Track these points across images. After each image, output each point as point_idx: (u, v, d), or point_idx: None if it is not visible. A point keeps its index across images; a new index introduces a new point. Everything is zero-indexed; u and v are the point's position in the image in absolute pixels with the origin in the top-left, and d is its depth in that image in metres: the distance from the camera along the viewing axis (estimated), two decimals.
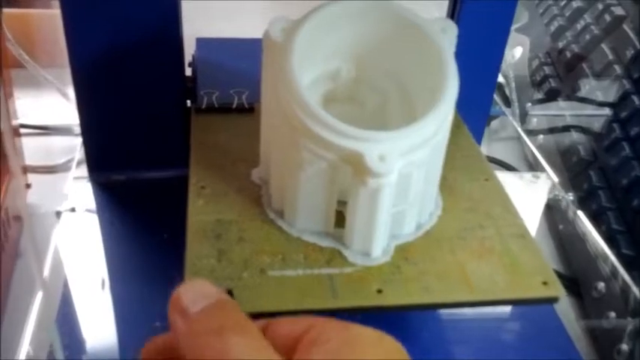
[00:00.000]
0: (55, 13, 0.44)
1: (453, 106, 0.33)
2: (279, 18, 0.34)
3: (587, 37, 0.70)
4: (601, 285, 0.51)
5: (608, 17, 0.69)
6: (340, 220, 0.35)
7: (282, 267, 0.33)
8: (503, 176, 0.41)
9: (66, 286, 0.44)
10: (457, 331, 0.42)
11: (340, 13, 0.35)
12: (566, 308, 0.51)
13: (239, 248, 0.34)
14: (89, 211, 0.50)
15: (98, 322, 0.41)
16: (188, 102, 0.49)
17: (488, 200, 0.39)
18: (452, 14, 0.48)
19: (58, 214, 0.50)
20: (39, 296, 0.45)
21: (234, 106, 0.45)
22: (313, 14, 0.34)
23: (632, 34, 0.64)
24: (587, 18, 0.73)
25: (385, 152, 0.30)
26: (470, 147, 0.43)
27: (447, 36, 0.34)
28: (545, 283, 0.34)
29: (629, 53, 0.62)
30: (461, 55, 0.35)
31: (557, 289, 0.34)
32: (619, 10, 0.68)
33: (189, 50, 0.54)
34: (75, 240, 0.48)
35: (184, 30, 0.46)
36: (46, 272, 0.47)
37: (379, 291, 0.32)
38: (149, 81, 0.46)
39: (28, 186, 0.56)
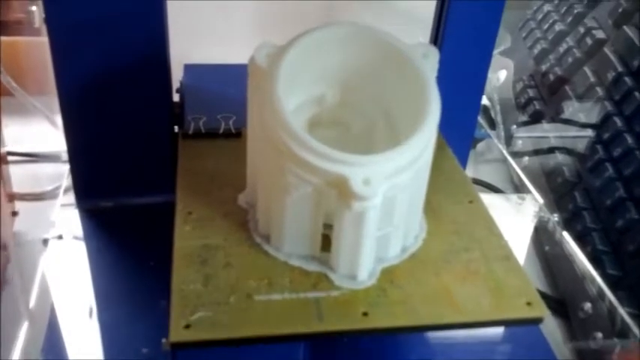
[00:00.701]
0: (43, 40, 0.44)
1: (435, 129, 0.33)
2: (264, 44, 0.34)
3: (570, 59, 0.71)
4: (587, 305, 0.51)
5: (589, 40, 0.70)
6: (326, 243, 0.35)
7: (269, 291, 0.33)
8: (489, 198, 0.42)
9: (53, 313, 0.44)
10: (445, 355, 0.42)
11: (325, 38, 0.35)
12: (553, 329, 0.51)
13: (225, 273, 0.34)
14: (76, 238, 0.49)
15: (85, 350, 0.41)
16: (175, 128, 0.49)
17: (472, 223, 0.39)
18: (435, 38, 0.49)
19: (45, 241, 0.49)
20: (25, 326, 0.45)
21: (222, 131, 0.46)
22: (298, 40, 0.34)
23: (612, 57, 0.65)
24: (570, 41, 0.74)
25: (369, 176, 0.30)
26: (454, 170, 0.44)
27: (429, 61, 0.35)
28: (529, 304, 0.34)
29: (611, 75, 0.63)
30: (445, 78, 0.36)
31: (541, 310, 0.34)
32: (600, 34, 0.70)
33: (177, 76, 0.55)
34: (62, 267, 0.48)
35: (171, 56, 0.46)
36: (33, 300, 0.47)
37: (365, 314, 0.33)
38: (136, 107, 0.47)
39: (14, 214, 0.56)
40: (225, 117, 0.47)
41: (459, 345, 0.42)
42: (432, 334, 0.42)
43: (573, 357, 0.50)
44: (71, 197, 0.52)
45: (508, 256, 0.37)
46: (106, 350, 0.41)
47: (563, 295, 0.55)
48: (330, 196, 0.32)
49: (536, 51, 0.79)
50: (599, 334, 0.49)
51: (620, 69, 0.63)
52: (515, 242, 0.39)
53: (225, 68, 0.58)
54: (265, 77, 0.34)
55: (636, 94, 0.59)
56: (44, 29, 0.43)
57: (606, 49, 0.67)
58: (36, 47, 0.65)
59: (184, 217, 0.38)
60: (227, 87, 0.54)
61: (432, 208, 0.38)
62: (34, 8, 0.66)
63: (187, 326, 0.31)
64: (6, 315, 0.47)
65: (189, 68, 0.58)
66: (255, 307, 0.32)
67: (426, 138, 0.33)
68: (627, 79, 0.61)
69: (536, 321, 0.34)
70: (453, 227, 0.39)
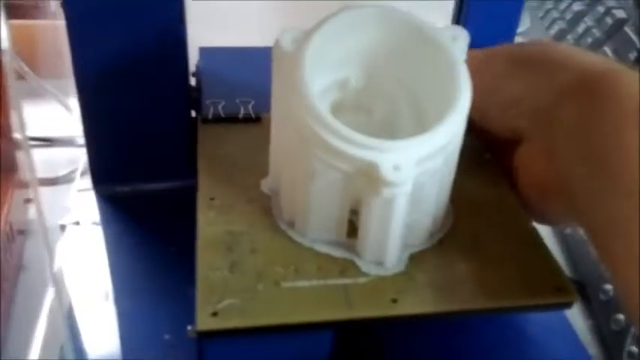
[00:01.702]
0: (57, 23, 0.44)
1: (466, 113, 0.33)
2: (289, 28, 0.34)
3: (589, 40, 0.70)
4: (608, 287, 0.51)
5: (609, 20, 0.69)
6: (353, 229, 0.35)
7: (296, 278, 0.33)
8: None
9: (70, 302, 0.44)
10: (466, 333, 0.42)
11: (350, 22, 0.35)
12: (573, 311, 0.51)
13: (251, 260, 0.34)
14: (94, 223, 0.49)
15: (104, 337, 0.41)
16: (192, 112, 0.49)
17: (499, 206, 0.39)
18: (457, 21, 0.48)
19: (63, 227, 0.49)
20: (46, 310, 0.45)
21: (241, 116, 0.45)
22: (324, 24, 0.34)
23: (634, 37, 0.64)
24: (588, 21, 0.73)
25: (400, 162, 0.30)
26: (479, 152, 0.43)
27: (458, 43, 0.34)
28: (558, 289, 0.34)
29: (632, 56, 0.63)
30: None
31: (571, 295, 0.34)
32: (620, 13, 0.69)
33: (193, 60, 0.54)
34: (80, 253, 0.47)
35: (188, 39, 0.46)
36: (51, 290, 0.46)
37: (394, 300, 0.32)
38: (154, 91, 0.46)
39: (29, 200, 0.56)
40: (243, 101, 0.47)
41: (481, 326, 0.42)
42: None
43: (594, 339, 0.50)
44: (87, 182, 0.51)
45: (537, 240, 0.37)
46: (126, 336, 0.41)
47: (583, 277, 0.54)
48: (357, 183, 0.32)
49: (553, 31, 0.78)
50: (620, 316, 0.49)
51: None
52: (537, 225, 0.38)
53: (241, 51, 0.58)
54: (290, 62, 0.33)
55: None
56: (60, 13, 0.43)
57: (627, 29, 0.66)
58: (50, 31, 0.64)
59: (207, 202, 0.38)
60: (244, 71, 0.54)
61: (458, 191, 0.37)
62: None
63: (214, 314, 0.31)
64: (24, 301, 0.47)
65: (205, 51, 0.57)
66: (282, 295, 0.32)
67: (457, 122, 0.32)
68: None
69: (566, 305, 0.34)
70: (481, 211, 0.38)
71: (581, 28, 0.73)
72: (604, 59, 0.34)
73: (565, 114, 0.33)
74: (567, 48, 0.36)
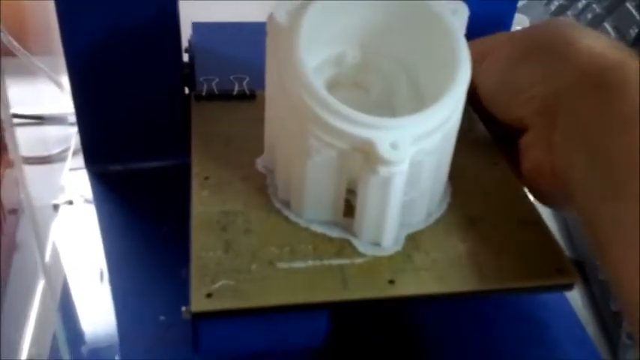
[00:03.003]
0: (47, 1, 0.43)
1: (465, 90, 0.32)
2: (284, 2, 0.33)
3: (589, 16, 0.69)
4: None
5: None
6: (349, 209, 0.34)
7: (291, 258, 0.32)
8: None
9: (65, 279, 0.43)
10: (467, 317, 0.41)
11: None
12: (572, 292, 0.50)
13: (246, 240, 0.33)
14: (87, 202, 0.49)
15: (99, 315, 0.41)
16: (185, 89, 0.48)
17: (498, 185, 0.38)
18: None
19: (56, 207, 0.48)
20: (40, 288, 0.44)
21: (235, 93, 0.44)
22: None
23: (635, 12, 0.63)
24: None
25: (397, 140, 0.29)
26: (478, 131, 0.42)
27: (458, 18, 0.33)
28: (559, 270, 0.33)
29: (633, 32, 0.62)
30: (467, 37, 0.34)
31: (572, 276, 0.33)
32: None
33: (185, 35, 0.53)
34: (74, 232, 0.47)
35: (180, 14, 0.45)
36: (46, 266, 0.46)
37: (391, 281, 0.32)
38: (146, 67, 0.45)
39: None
40: (238, 78, 0.46)
41: (480, 306, 0.42)
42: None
43: (593, 318, 0.50)
44: (80, 160, 0.51)
45: (537, 220, 0.36)
46: (119, 316, 0.41)
47: (582, 258, 0.54)
48: (354, 161, 0.31)
49: (553, 7, 0.76)
50: None
51: None
52: (535, 205, 0.38)
53: (235, 27, 0.57)
54: (285, 36, 0.32)
55: None
56: None
57: (628, 4, 0.65)
58: (39, 6, 0.63)
59: (201, 181, 0.37)
60: (238, 46, 0.53)
61: (457, 170, 0.36)
62: None
63: (209, 295, 0.30)
64: (19, 279, 0.47)
65: (198, 27, 0.56)
66: (277, 275, 0.32)
67: (456, 99, 0.31)
68: None
69: (567, 287, 0.34)
70: (479, 190, 0.38)
71: (581, 4, 0.72)
72: (617, 48, 0.32)
73: (571, 106, 0.32)
74: (583, 34, 0.33)
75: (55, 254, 0.46)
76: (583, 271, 0.53)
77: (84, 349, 0.39)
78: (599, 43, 0.32)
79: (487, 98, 0.34)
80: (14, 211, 0.50)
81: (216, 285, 0.31)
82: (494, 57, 0.36)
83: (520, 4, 0.79)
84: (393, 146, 0.29)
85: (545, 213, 0.57)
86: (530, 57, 0.35)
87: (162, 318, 0.39)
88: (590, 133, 0.30)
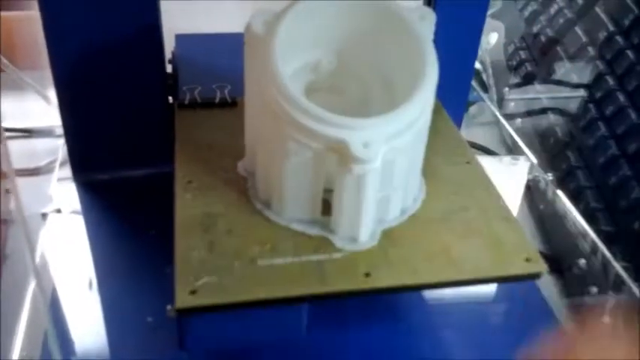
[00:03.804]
0: (34, 15, 0.44)
1: (433, 90, 0.34)
2: (260, 11, 0.34)
3: (561, 20, 0.71)
4: (582, 262, 0.52)
5: (580, 1, 0.70)
6: (327, 207, 0.35)
7: (272, 256, 0.34)
8: (483, 161, 0.42)
9: (53, 288, 0.44)
10: (443, 313, 0.43)
11: (320, 4, 0.35)
12: (548, 286, 0.52)
13: (228, 240, 0.35)
14: (75, 211, 0.50)
15: (88, 322, 0.42)
16: (169, 99, 0.49)
17: (470, 183, 0.40)
18: (429, 1, 0.48)
19: (44, 216, 0.49)
20: (29, 301, 0.45)
21: (217, 100, 0.46)
22: (294, 6, 0.34)
23: (604, 16, 0.65)
24: (560, 2, 0.74)
25: (369, 139, 0.31)
26: (450, 131, 0.44)
27: (426, 23, 0.35)
28: (528, 260, 0.35)
29: (602, 35, 0.64)
30: (439, 42, 0.36)
31: (540, 265, 0.35)
32: None
33: (169, 47, 0.54)
34: (62, 241, 0.48)
35: (163, 27, 0.46)
36: (33, 277, 0.47)
37: (367, 274, 0.33)
38: (130, 79, 0.47)
39: (8, 191, 0.56)
40: (220, 86, 0.47)
41: (456, 303, 0.43)
42: (429, 293, 0.43)
43: (569, 313, 0.51)
44: (67, 171, 0.52)
45: (506, 214, 0.38)
46: (110, 321, 0.41)
47: (557, 253, 0.55)
48: (329, 161, 0.33)
49: (527, 12, 0.79)
50: (594, 289, 0.50)
51: (611, 28, 0.63)
52: (509, 202, 0.39)
53: (217, 38, 0.58)
54: (262, 44, 0.34)
55: (628, 52, 0.60)
56: (33, 3, 0.43)
57: (597, 8, 0.67)
58: (26, 22, 0.64)
59: (184, 185, 0.38)
60: (220, 56, 0.54)
61: (430, 169, 0.38)
62: None
63: (193, 292, 0.32)
64: (8, 289, 0.47)
65: (181, 38, 0.57)
66: (259, 272, 0.33)
67: (424, 99, 0.33)
68: (618, 38, 0.62)
69: (535, 276, 0.35)
70: (452, 188, 0.39)
71: (553, 9, 0.74)
72: None
73: None
74: None
75: (44, 262, 0.47)
76: (559, 265, 0.54)
77: (74, 354, 0.40)
78: None
79: None
80: (4, 222, 0.51)
81: (200, 282, 0.32)
82: None
83: (494, 9, 0.81)
84: (366, 145, 0.31)
85: (522, 210, 0.59)
86: None
87: (149, 319, 0.40)
88: None
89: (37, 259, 0.47)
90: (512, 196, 0.59)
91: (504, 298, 0.45)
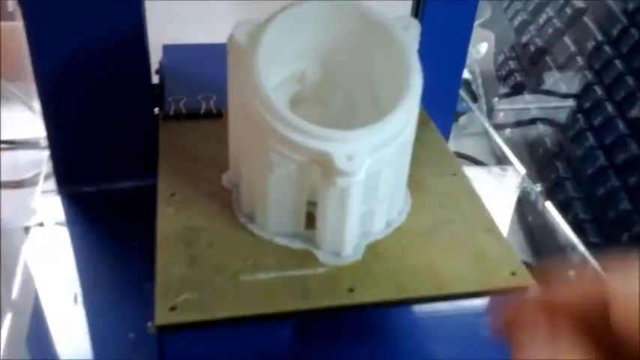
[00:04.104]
0: (18, 25, 0.43)
1: (417, 102, 0.33)
2: (243, 21, 0.34)
3: (550, 30, 0.71)
4: (571, 274, 0.52)
5: (569, 10, 0.70)
6: (311, 221, 0.35)
7: (254, 271, 0.33)
8: (472, 171, 0.42)
9: (37, 302, 0.43)
10: (431, 327, 0.42)
11: (304, 14, 0.35)
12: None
13: (210, 254, 0.34)
14: (59, 224, 0.49)
15: (71, 337, 0.41)
16: (156, 109, 0.49)
17: (456, 195, 0.39)
18: (416, 12, 0.48)
19: (27, 229, 0.49)
20: (8, 317, 0.44)
21: (203, 111, 0.45)
22: (277, 17, 0.34)
23: (592, 26, 0.65)
24: (549, 12, 0.74)
25: (353, 151, 0.30)
26: (436, 143, 0.43)
27: (410, 34, 0.35)
28: (513, 274, 0.34)
29: (590, 45, 0.64)
30: (426, 52, 0.35)
31: (526, 279, 0.34)
32: (579, 3, 0.70)
33: (156, 57, 0.54)
34: (45, 255, 0.47)
35: (150, 37, 0.46)
36: (16, 291, 0.46)
37: (351, 290, 0.33)
38: (116, 90, 0.46)
39: None
40: (205, 97, 0.47)
41: (444, 318, 0.42)
42: (417, 307, 0.42)
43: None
44: (52, 184, 0.51)
45: (491, 227, 0.37)
46: (92, 336, 0.41)
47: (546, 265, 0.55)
48: (313, 173, 0.32)
49: (516, 22, 0.79)
50: None
51: (599, 38, 0.63)
52: (498, 214, 0.39)
53: (204, 48, 0.58)
54: (245, 55, 0.33)
55: (616, 62, 0.60)
56: (19, 13, 0.42)
57: (586, 19, 0.67)
58: (11, 32, 0.64)
59: (167, 198, 0.38)
60: (207, 67, 0.54)
61: (415, 181, 0.38)
62: None
63: (173, 308, 0.31)
64: None
65: (168, 49, 0.57)
66: (241, 287, 0.32)
67: (408, 111, 0.32)
68: (607, 48, 0.61)
69: (521, 290, 0.35)
70: (437, 200, 0.39)
71: (542, 19, 0.74)
72: None
73: None
74: None
75: (27, 275, 0.46)
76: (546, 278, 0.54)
77: None
78: None
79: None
80: None
81: (180, 298, 0.31)
82: None
83: (484, 19, 0.81)
84: (349, 158, 0.30)
85: (511, 221, 0.59)
86: None
87: (131, 335, 0.39)
88: None
89: (19, 274, 0.47)
90: (502, 207, 0.59)
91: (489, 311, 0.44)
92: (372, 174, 0.32)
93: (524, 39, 0.76)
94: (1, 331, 0.43)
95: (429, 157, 0.41)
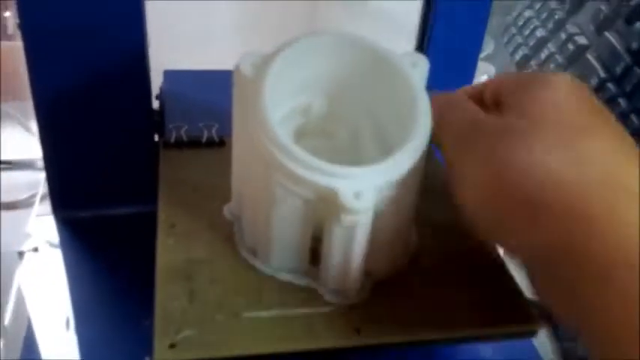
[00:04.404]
0: (16, 45, 0.43)
1: (426, 139, 0.33)
2: (249, 53, 0.33)
3: (552, 66, 0.72)
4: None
5: (571, 46, 0.70)
6: (316, 257, 0.34)
7: (257, 308, 0.32)
8: None
9: (30, 329, 0.42)
10: (430, 355, 0.41)
11: (311, 47, 0.35)
12: (540, 334, 0.51)
13: (211, 289, 0.33)
14: (53, 247, 0.48)
15: None
16: (155, 136, 0.48)
17: (463, 232, 0.39)
18: (420, 46, 0.48)
19: (21, 254, 0.48)
20: (0, 343, 0.43)
21: (204, 140, 0.45)
22: (284, 49, 0.33)
23: (595, 63, 0.65)
24: (551, 47, 0.74)
25: (361, 189, 0.30)
26: (442, 176, 0.43)
27: (418, 70, 0.34)
28: (522, 317, 0.34)
29: (594, 82, 0.64)
30: (431, 86, 0.35)
31: (535, 323, 0.34)
32: (582, 40, 0.70)
33: (157, 82, 0.54)
34: (39, 280, 0.46)
35: (151, 62, 0.45)
36: (8, 317, 0.45)
37: (357, 330, 0.32)
38: (115, 115, 0.45)
39: None
40: (207, 125, 0.46)
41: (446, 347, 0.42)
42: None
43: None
44: (47, 206, 0.50)
45: (501, 267, 0.36)
46: None
47: None
48: (319, 209, 0.32)
49: (517, 57, 0.79)
50: None
51: (602, 75, 0.63)
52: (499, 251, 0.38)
53: (206, 74, 0.57)
54: (251, 87, 0.33)
55: (619, 100, 0.60)
56: (18, 34, 0.42)
57: (589, 55, 0.67)
58: (9, 52, 0.63)
59: (167, 229, 0.37)
60: (209, 94, 0.53)
61: (422, 216, 0.37)
62: (7, 14, 0.65)
63: (172, 345, 0.30)
64: None
65: (169, 74, 0.57)
66: (242, 325, 0.31)
67: (417, 148, 0.32)
68: (610, 86, 0.61)
69: (530, 334, 0.34)
70: (445, 237, 0.38)
71: (544, 54, 0.74)
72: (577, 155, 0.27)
73: (546, 262, 0.28)
74: (535, 162, 0.27)
75: (20, 301, 0.45)
76: (551, 315, 0.53)
77: None
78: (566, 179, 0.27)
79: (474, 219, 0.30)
80: None
81: (180, 335, 0.31)
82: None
83: (485, 53, 0.81)
84: (357, 196, 0.30)
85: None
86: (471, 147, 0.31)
87: None
88: (567, 294, 0.27)
89: (12, 299, 0.46)
90: None
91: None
92: (378, 212, 0.31)
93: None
94: None
95: (436, 191, 0.41)
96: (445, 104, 0.33)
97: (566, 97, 0.29)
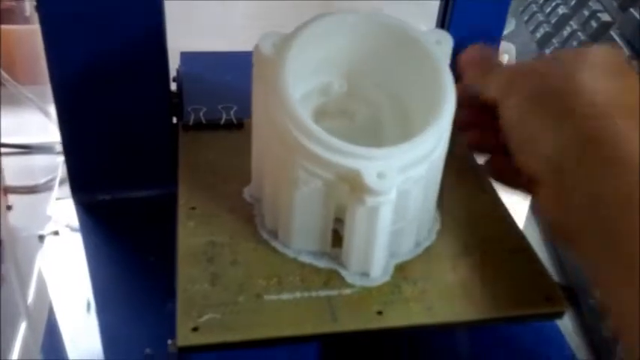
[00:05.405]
0: (35, 28, 0.42)
1: (451, 119, 0.32)
2: (269, 33, 0.33)
3: (574, 43, 0.70)
4: (598, 292, 0.50)
5: (594, 24, 0.69)
6: (337, 238, 0.34)
7: (279, 290, 0.32)
8: (497, 188, 0.41)
9: (51, 311, 0.42)
10: (457, 342, 0.41)
11: (332, 26, 0.34)
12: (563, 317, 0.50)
13: (233, 271, 0.33)
14: (73, 231, 0.48)
15: (85, 348, 0.40)
16: (173, 118, 0.48)
17: (487, 213, 0.38)
18: (442, 24, 0.47)
19: (42, 237, 0.48)
20: (23, 324, 0.44)
21: (223, 122, 0.44)
22: (305, 28, 0.33)
23: (619, 40, 0.64)
24: (574, 25, 0.72)
25: (384, 169, 0.29)
26: (466, 159, 0.42)
27: (442, 48, 0.33)
28: (549, 299, 0.33)
29: None
30: (452, 64, 0.34)
31: (561, 304, 0.33)
32: (605, 17, 0.68)
33: (173, 64, 0.53)
34: (59, 264, 0.46)
35: (168, 44, 0.45)
36: (31, 298, 0.45)
37: (379, 312, 0.31)
38: (133, 97, 0.45)
39: (8, 208, 0.55)
40: (225, 107, 0.46)
41: (472, 332, 0.41)
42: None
43: (584, 344, 0.49)
44: (66, 190, 0.50)
45: (525, 247, 0.36)
46: (106, 348, 0.40)
47: (572, 283, 0.54)
48: (341, 191, 0.31)
49: (538, 35, 0.77)
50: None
51: (627, 52, 0.61)
52: (524, 231, 0.37)
53: (223, 56, 0.57)
54: (271, 67, 0.32)
55: None
56: (36, 17, 0.42)
57: (612, 32, 0.65)
58: (28, 36, 0.63)
59: (187, 212, 0.37)
60: (226, 75, 0.53)
61: (445, 199, 0.36)
62: None
63: (195, 329, 0.30)
64: (4, 312, 0.46)
65: (186, 56, 0.56)
66: (265, 308, 0.31)
67: (442, 128, 0.31)
68: (635, 63, 0.60)
69: (557, 315, 0.33)
70: (469, 219, 0.37)
71: (566, 32, 0.72)
72: (623, 92, 0.30)
73: (573, 170, 0.29)
74: (589, 78, 0.30)
75: (41, 284, 0.45)
76: (574, 296, 0.53)
77: None
78: (604, 94, 0.29)
79: (507, 135, 0.32)
80: (1, 243, 0.50)
81: (203, 319, 0.30)
82: (502, 100, 0.33)
83: (506, 31, 0.80)
84: (380, 176, 0.29)
85: (536, 239, 0.57)
86: (540, 105, 0.32)
87: (148, 351, 0.38)
88: (595, 206, 0.28)
89: (34, 282, 0.46)
90: (527, 224, 0.57)
91: (518, 327, 0.42)
92: (401, 192, 0.31)
93: (546, 52, 0.75)
94: (17, 339, 0.43)
95: (459, 173, 0.40)
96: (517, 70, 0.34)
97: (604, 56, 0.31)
